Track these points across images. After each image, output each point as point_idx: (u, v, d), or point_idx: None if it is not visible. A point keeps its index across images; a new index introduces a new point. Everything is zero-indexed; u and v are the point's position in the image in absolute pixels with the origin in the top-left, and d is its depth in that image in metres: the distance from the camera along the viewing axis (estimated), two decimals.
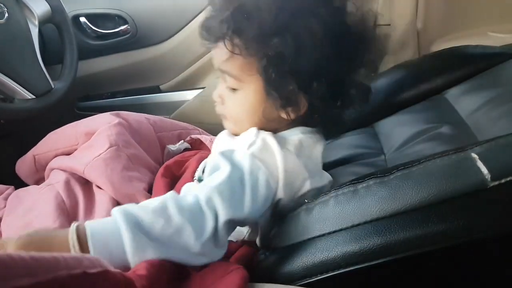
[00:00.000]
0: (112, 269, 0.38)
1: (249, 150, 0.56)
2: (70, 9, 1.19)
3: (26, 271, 0.29)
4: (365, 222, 0.46)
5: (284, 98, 0.57)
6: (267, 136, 0.58)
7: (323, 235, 0.49)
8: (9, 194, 0.76)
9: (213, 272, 0.53)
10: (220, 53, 0.58)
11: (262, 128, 0.61)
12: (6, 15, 0.89)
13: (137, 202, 0.53)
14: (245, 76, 0.58)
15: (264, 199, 0.55)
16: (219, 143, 0.67)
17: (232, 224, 0.54)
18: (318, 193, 0.55)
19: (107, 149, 0.72)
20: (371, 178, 0.49)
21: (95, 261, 0.36)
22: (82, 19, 1.25)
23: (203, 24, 0.60)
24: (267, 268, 0.56)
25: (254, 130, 0.60)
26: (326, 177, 0.65)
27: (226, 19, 0.55)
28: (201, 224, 0.50)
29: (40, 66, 0.96)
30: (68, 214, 0.67)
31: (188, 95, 1.36)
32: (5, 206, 0.73)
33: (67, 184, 0.71)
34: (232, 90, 0.61)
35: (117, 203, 0.68)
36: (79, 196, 0.71)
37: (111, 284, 0.37)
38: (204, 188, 0.52)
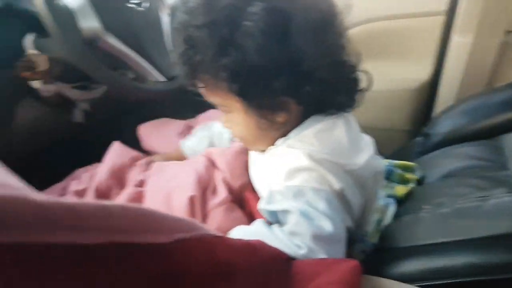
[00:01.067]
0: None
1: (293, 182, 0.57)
2: None
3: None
4: (493, 236, 0.46)
5: (265, 107, 0.58)
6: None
7: (447, 242, 0.49)
8: (148, 161, 0.88)
9: (324, 260, 0.56)
10: (201, 90, 0.61)
11: (274, 136, 0.62)
12: (148, 3, 0.99)
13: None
14: (225, 100, 0.60)
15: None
16: (256, 163, 0.70)
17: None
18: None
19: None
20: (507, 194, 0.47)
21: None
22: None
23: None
24: (374, 265, 0.57)
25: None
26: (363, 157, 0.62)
27: (183, 61, 0.58)
28: None
29: (169, 52, 1.05)
30: (202, 188, 0.74)
31: None
32: (145, 170, 0.85)
33: (206, 164, 0.79)
34: (227, 116, 0.64)
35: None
36: (212, 175, 0.79)
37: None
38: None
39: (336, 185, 0.56)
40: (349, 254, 0.62)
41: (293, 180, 0.57)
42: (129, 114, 1.47)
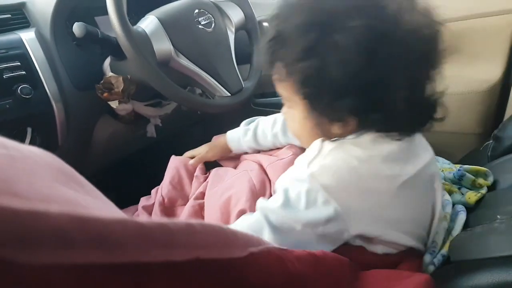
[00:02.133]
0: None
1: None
2: (257, 15, 1.32)
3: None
4: None
5: (326, 115, 0.60)
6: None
7: None
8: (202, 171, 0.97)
9: (396, 272, 0.56)
10: (274, 77, 0.64)
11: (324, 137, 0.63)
12: (213, 24, 1.05)
13: None
14: (291, 96, 0.62)
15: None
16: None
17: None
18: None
19: (289, 156, 0.84)
20: None
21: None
22: (265, 24, 1.37)
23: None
24: (445, 278, 0.56)
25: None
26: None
27: (268, 48, 0.61)
28: None
29: (235, 68, 1.09)
30: (256, 195, 0.78)
31: None
32: (203, 181, 0.91)
33: (258, 173, 0.83)
34: (288, 109, 0.67)
35: None
36: (265, 183, 0.82)
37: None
38: None
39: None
40: (419, 267, 0.62)
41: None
42: (196, 127, 1.55)
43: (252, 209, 0.73)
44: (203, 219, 0.81)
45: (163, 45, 0.92)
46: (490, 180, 0.79)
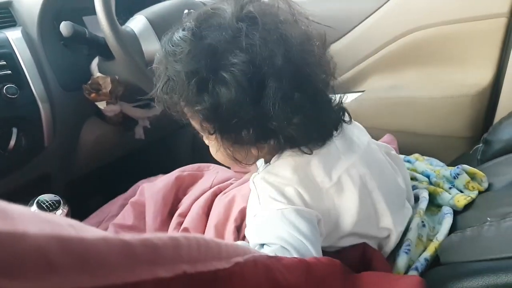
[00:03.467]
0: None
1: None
2: None
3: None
4: None
5: (238, 144, 0.59)
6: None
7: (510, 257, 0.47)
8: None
9: (387, 275, 0.56)
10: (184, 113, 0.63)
11: (251, 160, 0.63)
12: None
13: None
14: (202, 129, 0.62)
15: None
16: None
17: None
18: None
19: None
20: None
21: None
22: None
23: None
24: (434, 281, 0.56)
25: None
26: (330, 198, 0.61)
27: (165, 92, 0.60)
28: None
29: None
30: None
31: (347, 98, 1.38)
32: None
33: None
34: (206, 139, 0.66)
35: None
36: None
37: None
38: None
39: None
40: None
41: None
42: (186, 129, 1.53)
43: None
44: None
45: (152, 45, 0.91)
46: (484, 186, 0.79)
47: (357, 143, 0.66)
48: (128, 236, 0.24)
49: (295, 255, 0.51)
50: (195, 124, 0.63)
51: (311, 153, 0.60)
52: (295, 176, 0.59)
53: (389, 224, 0.65)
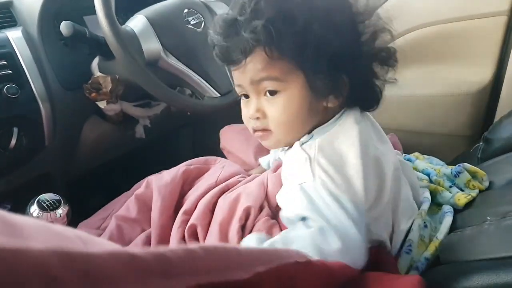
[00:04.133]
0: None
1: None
2: None
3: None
4: None
5: (327, 85, 0.61)
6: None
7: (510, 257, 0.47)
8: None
9: (386, 274, 0.56)
10: (254, 64, 0.61)
11: (309, 126, 0.65)
12: (203, 24, 1.04)
13: None
14: (286, 75, 0.61)
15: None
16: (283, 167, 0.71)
17: None
18: None
19: None
20: None
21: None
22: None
23: (223, 45, 0.63)
24: (434, 280, 0.56)
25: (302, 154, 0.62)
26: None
27: (262, 27, 0.57)
28: None
29: (225, 69, 1.09)
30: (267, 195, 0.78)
31: None
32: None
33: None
34: (272, 97, 0.63)
35: None
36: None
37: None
38: None
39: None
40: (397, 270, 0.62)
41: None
42: (186, 128, 1.54)
43: (256, 208, 0.73)
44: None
45: (151, 45, 0.91)
46: (485, 184, 0.79)
47: (385, 137, 0.71)
48: (137, 249, 0.24)
49: (335, 236, 0.53)
50: (277, 68, 0.61)
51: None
52: (360, 141, 0.61)
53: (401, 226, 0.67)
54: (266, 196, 0.77)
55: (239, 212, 0.72)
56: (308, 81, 0.61)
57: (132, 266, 0.23)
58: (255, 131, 0.68)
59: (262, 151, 0.94)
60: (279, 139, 0.68)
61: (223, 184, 0.82)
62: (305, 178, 0.60)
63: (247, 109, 0.67)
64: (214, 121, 1.13)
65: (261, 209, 0.74)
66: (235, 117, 1.10)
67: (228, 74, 1.08)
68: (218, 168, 0.89)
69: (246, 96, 0.68)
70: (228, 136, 1.06)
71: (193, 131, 1.61)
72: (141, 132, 1.17)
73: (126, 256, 0.23)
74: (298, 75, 0.61)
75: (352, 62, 0.61)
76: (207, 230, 0.74)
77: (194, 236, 0.75)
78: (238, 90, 0.69)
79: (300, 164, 0.62)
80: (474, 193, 0.76)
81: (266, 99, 0.64)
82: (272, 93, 0.63)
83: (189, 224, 0.75)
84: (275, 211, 0.74)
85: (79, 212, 0.90)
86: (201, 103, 1.01)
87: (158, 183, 0.84)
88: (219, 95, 1.03)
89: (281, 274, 0.36)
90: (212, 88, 1.01)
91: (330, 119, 0.66)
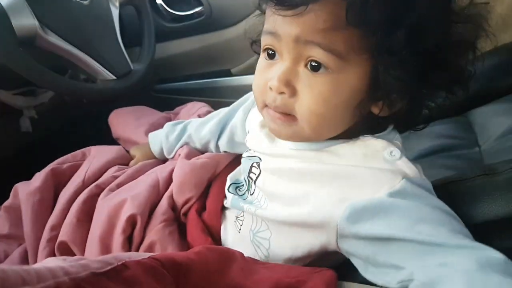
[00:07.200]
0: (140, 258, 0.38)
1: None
2: None
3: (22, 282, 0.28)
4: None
5: (393, 87, 0.44)
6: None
7: None
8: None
9: (299, 268, 0.51)
10: (316, 18, 0.42)
11: (343, 129, 0.49)
12: None
13: None
14: (351, 54, 0.44)
15: None
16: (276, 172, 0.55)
17: None
18: None
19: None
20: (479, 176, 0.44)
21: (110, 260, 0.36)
22: (159, 1, 1.24)
23: None
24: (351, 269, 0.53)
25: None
26: None
27: None
28: None
29: (120, 48, 0.98)
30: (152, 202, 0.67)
31: None
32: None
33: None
34: (313, 74, 0.45)
35: None
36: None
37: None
38: None
39: None
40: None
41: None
42: (89, 119, 1.38)
43: (145, 215, 0.62)
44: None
45: (24, 20, 0.77)
46: None
47: None
48: None
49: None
50: (343, 41, 0.43)
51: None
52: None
53: None
54: (172, 193, 0.66)
55: (121, 223, 0.61)
56: (374, 72, 0.45)
57: None
58: (273, 110, 0.49)
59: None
60: (304, 133, 0.49)
61: (93, 185, 0.70)
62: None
63: (268, 74, 0.48)
64: (120, 106, 1.00)
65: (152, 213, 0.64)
66: (145, 105, 1.00)
67: (125, 53, 0.97)
68: (86, 163, 0.76)
69: (272, 55, 0.49)
70: (117, 121, 0.92)
71: (98, 123, 1.46)
72: (27, 125, 1.02)
73: None
74: (366, 60, 0.44)
75: (434, 68, 0.45)
76: (83, 245, 0.63)
77: (68, 254, 0.63)
78: (265, 39, 0.49)
79: (384, 180, 0.46)
80: None
81: (304, 73, 0.46)
82: (316, 68, 0.45)
83: (58, 241, 0.64)
84: (179, 213, 0.65)
85: None
86: (92, 87, 0.89)
87: (26, 191, 0.71)
88: (114, 77, 0.92)
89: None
90: (105, 70, 0.90)
91: (378, 131, 0.50)
